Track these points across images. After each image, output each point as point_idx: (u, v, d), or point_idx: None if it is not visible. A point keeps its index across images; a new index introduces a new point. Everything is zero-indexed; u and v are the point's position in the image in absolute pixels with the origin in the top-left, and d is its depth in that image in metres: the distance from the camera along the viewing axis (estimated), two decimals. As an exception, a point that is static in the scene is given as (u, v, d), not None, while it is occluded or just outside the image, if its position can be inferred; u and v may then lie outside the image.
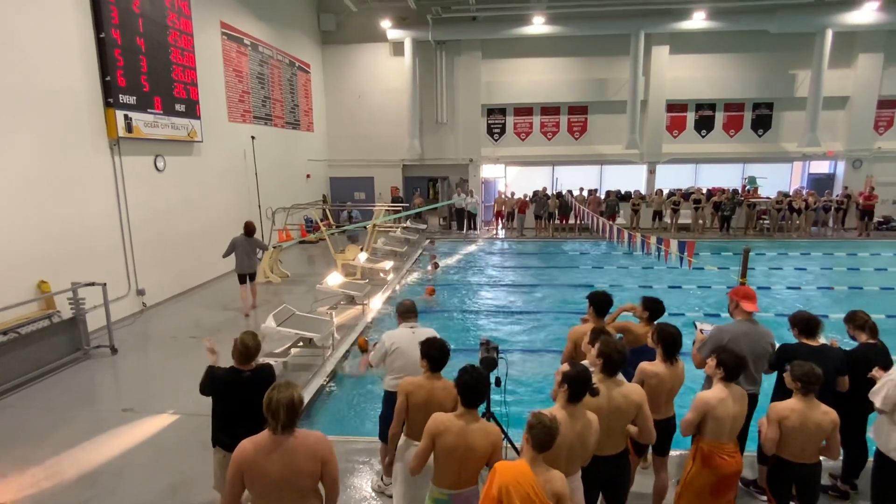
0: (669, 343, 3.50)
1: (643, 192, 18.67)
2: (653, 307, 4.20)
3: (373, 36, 18.41)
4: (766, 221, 17.38)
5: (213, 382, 3.46)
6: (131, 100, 8.54)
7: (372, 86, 19.04)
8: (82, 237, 7.80)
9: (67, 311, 6.93)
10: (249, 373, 3.43)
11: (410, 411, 3.28)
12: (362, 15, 18.03)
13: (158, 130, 9.25)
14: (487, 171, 19.98)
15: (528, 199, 18.20)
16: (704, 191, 18.12)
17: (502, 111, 19.38)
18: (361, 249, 11.65)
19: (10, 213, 6.65)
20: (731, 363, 3.19)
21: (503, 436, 3.71)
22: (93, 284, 7.03)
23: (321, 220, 13.45)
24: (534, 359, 7.12)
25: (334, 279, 9.25)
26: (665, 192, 17.97)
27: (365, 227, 12.92)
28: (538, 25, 17.22)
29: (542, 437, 2.42)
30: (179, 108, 9.85)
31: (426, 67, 18.69)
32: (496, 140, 19.58)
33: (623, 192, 18.80)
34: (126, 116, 8.41)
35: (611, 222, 11.66)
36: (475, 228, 18.02)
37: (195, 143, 10.58)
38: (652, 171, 19.12)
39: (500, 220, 18.45)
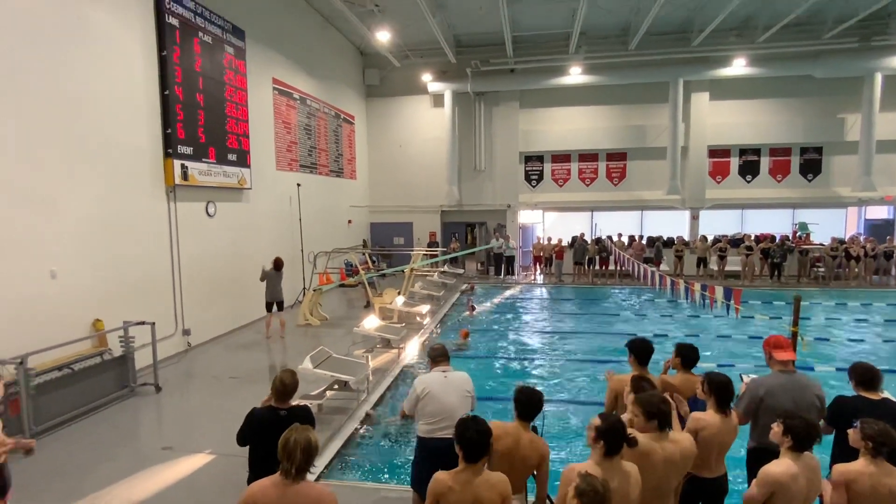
0: (722, 392, 3.28)
1: (687, 238, 18.22)
2: (685, 353, 4.01)
3: (414, 89, 19.22)
4: (820, 269, 16.54)
5: (252, 422, 3.42)
6: (188, 150, 9.14)
7: (412, 135, 19.72)
8: (136, 278, 8.22)
9: (118, 348, 7.23)
10: (286, 412, 3.43)
11: None
12: (404, 69, 18.91)
13: (211, 178, 9.82)
14: (525, 216, 20.05)
15: (566, 244, 18.04)
16: (753, 237, 17.52)
17: (540, 158, 19.59)
18: (399, 293, 11.74)
19: (75, 253, 7.11)
20: (801, 430, 2.79)
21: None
22: (142, 323, 7.34)
23: (361, 265, 13.71)
24: (572, 409, 6.86)
25: (371, 322, 9.32)
26: (710, 238, 17.47)
27: (403, 271, 13.06)
28: (575, 76, 17.58)
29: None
30: (231, 157, 10.45)
31: (465, 117, 19.25)
32: (534, 186, 19.72)
33: (666, 238, 18.40)
34: (183, 165, 8.99)
35: (654, 268, 11.38)
36: (513, 273, 17.91)
37: (244, 190, 11.14)
38: (695, 217, 18.70)
39: (538, 266, 18.32)
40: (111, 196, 7.73)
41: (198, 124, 9.41)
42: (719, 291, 7.11)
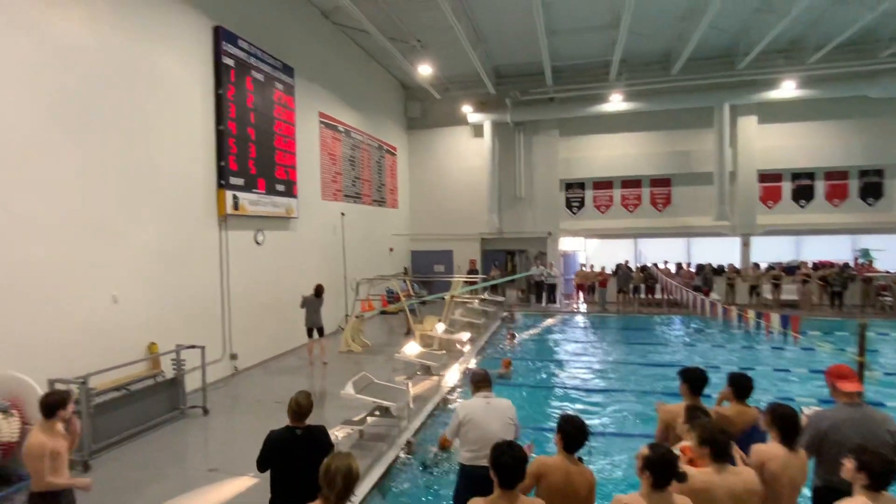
0: (786, 424, 3.05)
1: (738, 265, 17.50)
2: (737, 383, 3.80)
3: (454, 120, 19.59)
4: (887, 298, 15.48)
5: (271, 443, 3.51)
6: (240, 181, 9.58)
7: (453, 165, 20.01)
8: (188, 303, 8.56)
9: (170, 371, 7.49)
10: (302, 431, 3.54)
11: None
12: (445, 102, 19.35)
13: (260, 208, 10.22)
14: (567, 243, 19.80)
15: (610, 271, 17.65)
16: (810, 264, 16.65)
17: (581, 185, 19.43)
18: (439, 320, 11.73)
19: (134, 279, 7.50)
20: (879, 467, 2.56)
21: None
22: (193, 347, 7.60)
23: (402, 292, 13.81)
24: (618, 442, 6.58)
25: (412, 349, 9.33)
26: (763, 265, 16.71)
27: (443, 299, 13.07)
28: (616, 103, 17.50)
29: None
30: (280, 188, 10.87)
31: (505, 146, 19.41)
32: (575, 213, 19.51)
33: (715, 266, 17.72)
34: (234, 196, 9.42)
35: (704, 296, 10.94)
36: (555, 301, 17.61)
37: (291, 219, 11.52)
38: (746, 244, 17.97)
39: (581, 294, 17.95)
40: (168, 225, 8.16)
41: (249, 157, 9.87)
42: (775, 319, 6.76)
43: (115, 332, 7.11)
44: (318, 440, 3.56)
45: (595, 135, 18.94)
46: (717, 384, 4.46)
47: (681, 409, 3.43)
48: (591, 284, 17.51)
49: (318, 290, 10.37)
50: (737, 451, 3.11)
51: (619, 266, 17.75)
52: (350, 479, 2.44)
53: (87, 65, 6.81)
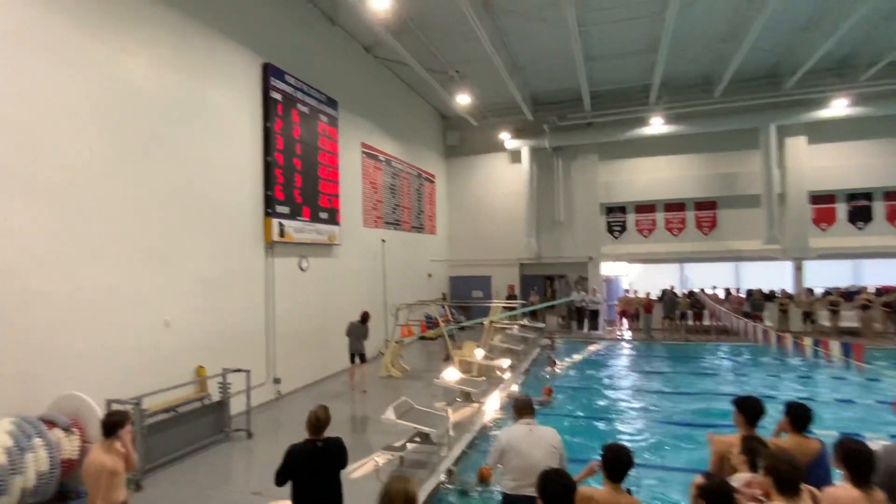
0: (858, 461, 2.80)
1: (790, 290, 16.68)
2: (795, 412, 3.57)
3: (492, 147, 19.79)
4: (961, 326, 14.37)
5: (293, 455, 3.70)
6: (285, 210, 9.93)
7: (491, 191, 20.12)
8: (234, 327, 8.83)
9: (216, 394, 7.70)
10: (322, 443, 3.78)
11: None
12: (483, 129, 19.59)
13: (305, 235, 10.53)
14: (609, 268, 19.41)
15: (654, 297, 17.14)
16: (872, 289, 15.69)
17: (622, 209, 19.12)
18: (478, 346, 11.63)
19: (185, 304, 7.81)
20: None
21: None
22: (238, 371, 7.80)
23: (441, 317, 13.81)
24: (666, 475, 6.28)
25: (451, 375, 9.26)
26: (818, 290, 15.87)
27: (482, 324, 12.98)
28: (657, 126, 17.28)
29: None
30: (323, 216, 11.19)
31: (543, 171, 19.39)
32: (617, 237, 19.16)
33: (767, 291, 16.94)
34: (280, 224, 9.75)
35: (755, 323, 10.46)
36: (597, 328, 17.19)
37: (334, 245, 11.81)
38: (799, 268, 17.14)
39: (624, 320, 17.47)
40: (217, 252, 8.50)
41: (294, 186, 10.24)
42: (835, 347, 6.38)
43: (166, 356, 7.39)
44: (337, 451, 3.81)
45: (636, 158, 18.69)
46: (772, 415, 4.22)
47: (736, 440, 3.26)
48: (635, 310, 17.04)
49: (364, 317, 10.47)
50: (805, 487, 2.92)
51: (664, 291, 17.24)
52: (410, 503, 2.44)
53: (149, 103, 7.30)
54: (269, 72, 9.67)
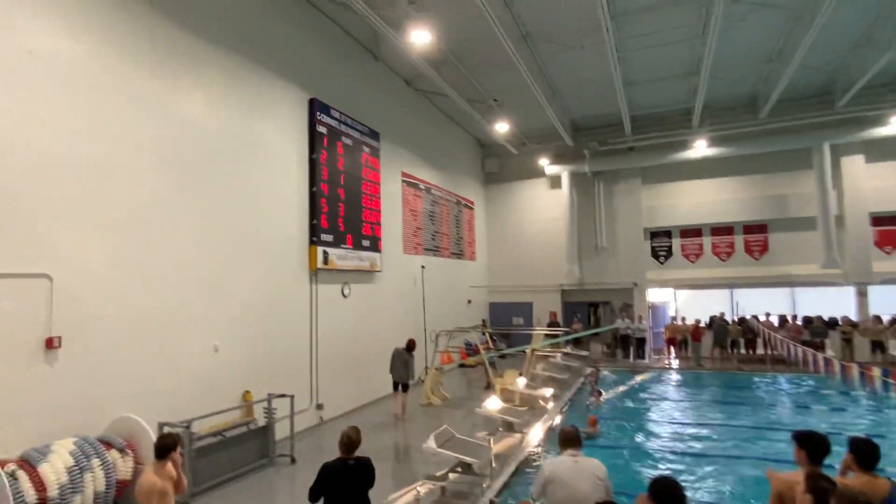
0: None
1: (854, 318, 15.68)
2: (861, 449, 3.31)
3: (531, 173, 19.82)
4: None
5: (326, 472, 3.99)
6: (329, 238, 10.20)
7: (530, 216, 20.06)
8: (279, 353, 9.03)
9: (262, 419, 7.84)
10: (353, 461, 4.11)
11: None
12: (522, 155, 19.68)
13: (348, 262, 10.76)
14: (654, 294, 18.85)
15: (704, 324, 16.47)
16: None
17: (667, 233, 18.64)
18: (520, 374, 11.44)
19: (233, 330, 8.07)
20: None
21: None
22: (283, 396, 7.94)
23: (481, 344, 13.69)
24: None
25: (493, 404, 9.12)
26: (885, 318, 14.85)
27: (523, 352, 12.78)
28: (700, 149, 16.91)
29: None
30: (365, 243, 11.42)
31: (584, 196, 19.22)
32: (662, 263, 18.64)
33: (827, 319, 15.99)
34: (324, 252, 10.01)
35: (817, 353, 9.85)
36: (643, 356, 16.62)
37: (375, 272, 12.00)
38: (863, 294, 16.12)
39: (672, 348, 16.83)
40: (265, 279, 8.78)
41: (338, 215, 10.53)
42: (907, 380, 5.92)
43: (215, 380, 7.62)
44: (367, 470, 4.15)
45: (680, 181, 18.29)
46: (836, 451, 3.94)
47: (798, 478, 3.06)
48: (683, 338, 16.40)
49: (410, 345, 10.45)
50: None
51: (713, 318, 16.55)
52: None
53: (203, 138, 7.74)
54: (315, 106, 10.09)
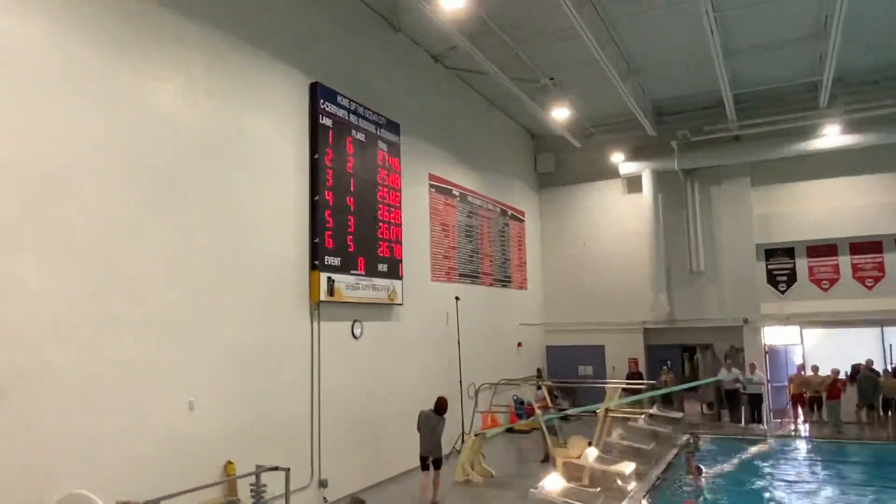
0: None
1: None
2: None
3: (600, 172, 19.81)
4: None
5: None
6: (336, 261, 10.39)
7: (600, 230, 19.98)
8: (271, 413, 9.13)
9: (248, 498, 7.91)
10: None
11: None
12: (587, 150, 19.70)
13: (359, 293, 10.91)
14: (773, 335, 18.38)
15: (844, 375, 15.93)
16: None
17: (789, 251, 18.23)
18: (590, 443, 11.26)
19: (213, 383, 8.22)
20: None
21: None
22: (276, 469, 8.00)
23: (536, 402, 13.55)
24: None
25: (554, 483, 9.01)
26: None
27: (594, 413, 12.59)
28: (831, 137, 16.57)
29: None
30: (382, 268, 11.58)
31: (672, 203, 19.08)
32: (782, 292, 18.20)
33: None
34: (329, 279, 10.19)
35: None
36: (759, 420, 16.20)
37: (395, 305, 12.11)
38: None
39: (799, 409, 16.36)
40: (252, 316, 8.96)
41: (347, 231, 10.73)
42: None
43: (189, 447, 7.74)
44: None
45: (805, 181, 17.97)
46: None
47: None
48: (814, 395, 15.92)
49: (440, 406, 10.03)
50: None
51: (857, 368, 16.00)
52: None
53: (178, 136, 8.02)
54: (318, 93, 10.40)
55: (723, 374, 16.61)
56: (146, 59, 7.65)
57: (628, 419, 13.99)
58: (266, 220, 9.35)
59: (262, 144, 9.41)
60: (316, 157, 10.24)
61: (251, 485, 7.87)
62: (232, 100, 8.92)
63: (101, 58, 7.10)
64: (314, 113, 10.34)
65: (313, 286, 10.02)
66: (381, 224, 11.71)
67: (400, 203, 12.40)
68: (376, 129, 11.85)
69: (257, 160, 9.28)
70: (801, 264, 18.16)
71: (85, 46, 6.93)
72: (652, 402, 14.90)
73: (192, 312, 8.01)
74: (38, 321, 6.24)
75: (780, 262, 18.38)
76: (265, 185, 9.39)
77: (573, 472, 10.60)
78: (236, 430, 8.47)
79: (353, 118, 11.21)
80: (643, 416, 14.32)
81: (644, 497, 10.24)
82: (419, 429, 10.00)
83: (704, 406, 17.96)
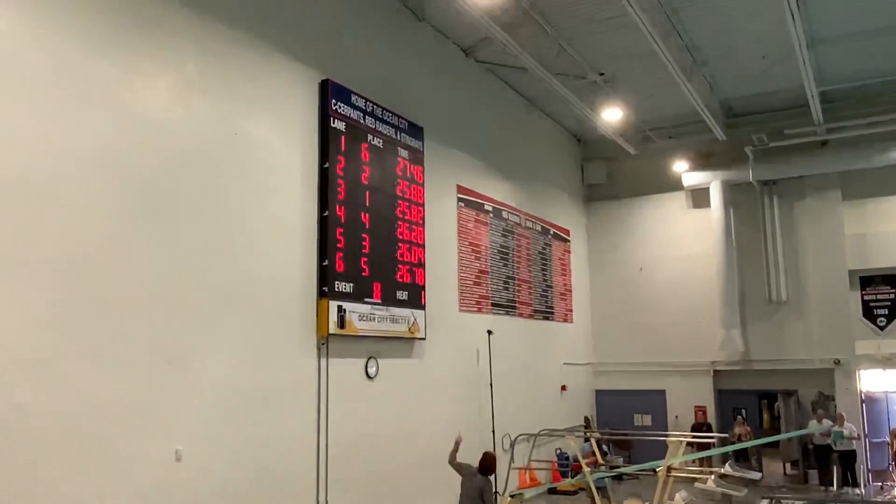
0: None
1: None
2: None
3: (660, 184, 19.76)
4: None
5: None
6: (347, 287, 10.44)
7: (659, 253, 19.87)
8: (270, 466, 9.11)
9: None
10: None
11: None
12: (644, 157, 19.67)
13: (374, 325, 10.94)
14: (871, 380, 18.05)
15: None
16: None
17: (889, 279, 17.93)
18: (649, 508, 11.11)
19: (204, 429, 8.23)
20: None
21: None
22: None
23: (584, 456, 13.39)
24: None
25: (604, 555, 8.85)
26: None
27: (653, 471, 12.41)
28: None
29: None
30: (401, 295, 11.61)
31: (746, 220, 18.95)
32: (882, 327, 17.87)
33: None
34: (340, 308, 10.23)
35: None
36: (854, 483, 15.84)
37: (416, 340, 12.11)
38: None
39: (903, 470, 16.02)
40: (251, 351, 9.00)
41: (361, 252, 10.80)
42: None
43: (176, 502, 7.79)
44: None
45: (907, 195, 17.70)
46: None
47: None
48: (922, 454, 15.54)
49: (487, 465, 9.41)
50: None
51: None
52: None
53: (169, 142, 8.14)
54: (330, 91, 10.54)
55: (811, 427, 16.28)
56: (131, 51, 7.73)
57: (695, 480, 13.75)
58: (268, 240, 9.43)
59: (264, 151, 9.52)
60: (326, 166, 10.34)
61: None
62: (230, 101, 9.04)
63: (80, 49, 7.17)
64: (324, 115, 10.46)
65: (321, 316, 10.06)
66: (400, 244, 11.76)
67: (423, 220, 12.46)
68: (396, 134, 11.97)
69: (258, 169, 9.38)
70: (905, 295, 17.87)
71: (64, 38, 7.03)
72: (724, 459, 14.64)
73: (181, 347, 8.06)
74: (7, 360, 6.23)
75: (878, 292, 18.11)
76: (267, 198, 9.48)
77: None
78: (230, 486, 8.45)
79: (369, 121, 11.34)
80: (713, 477, 14.06)
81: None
82: (463, 493, 9.30)
83: (788, 465, 17.77)
